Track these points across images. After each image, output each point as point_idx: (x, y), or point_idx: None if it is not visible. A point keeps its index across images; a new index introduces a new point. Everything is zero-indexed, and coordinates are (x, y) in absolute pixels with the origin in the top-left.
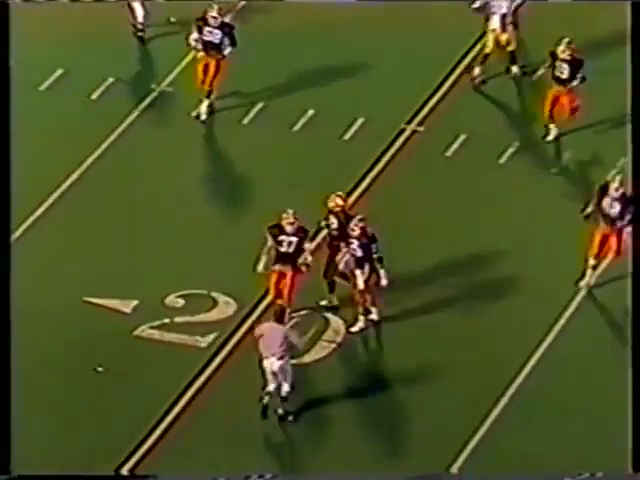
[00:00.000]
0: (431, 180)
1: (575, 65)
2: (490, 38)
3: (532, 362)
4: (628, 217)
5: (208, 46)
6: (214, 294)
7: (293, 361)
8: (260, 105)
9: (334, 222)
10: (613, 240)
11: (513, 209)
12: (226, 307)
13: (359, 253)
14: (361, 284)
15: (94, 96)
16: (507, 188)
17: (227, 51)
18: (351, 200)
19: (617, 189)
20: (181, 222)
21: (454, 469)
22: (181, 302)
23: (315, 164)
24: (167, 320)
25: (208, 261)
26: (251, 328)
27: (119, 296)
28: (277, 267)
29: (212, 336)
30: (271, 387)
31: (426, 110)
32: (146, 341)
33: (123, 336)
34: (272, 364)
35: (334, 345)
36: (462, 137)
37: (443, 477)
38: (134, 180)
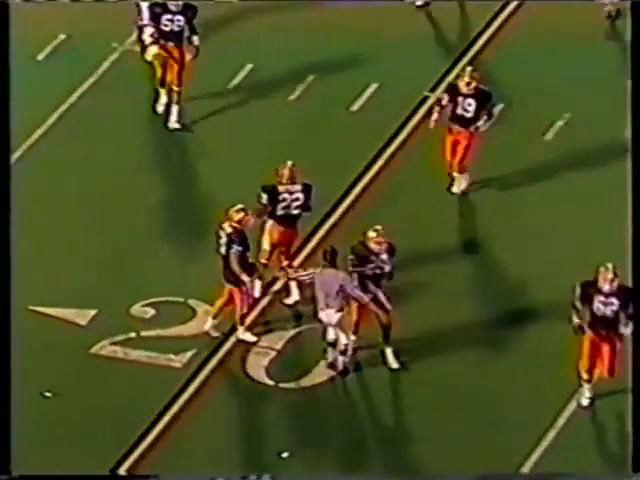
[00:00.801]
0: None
1: (482, 98)
2: None
3: None
4: (625, 318)
5: (169, 37)
6: (191, 302)
7: (291, 385)
8: (249, 67)
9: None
10: (605, 350)
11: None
12: (206, 318)
13: (387, 267)
14: (389, 305)
15: (41, 57)
16: (554, 171)
17: (196, 41)
18: (360, 185)
19: (612, 281)
20: (151, 212)
21: (525, 469)
22: (151, 312)
23: (316, 141)
24: (133, 334)
25: (185, 261)
26: (238, 343)
27: (73, 304)
28: None
29: (189, 354)
30: (331, 336)
31: (454, 74)
32: (106, 360)
33: (78, 354)
34: (329, 316)
35: None
36: (499, 107)
37: (512, 477)
38: (91, 160)
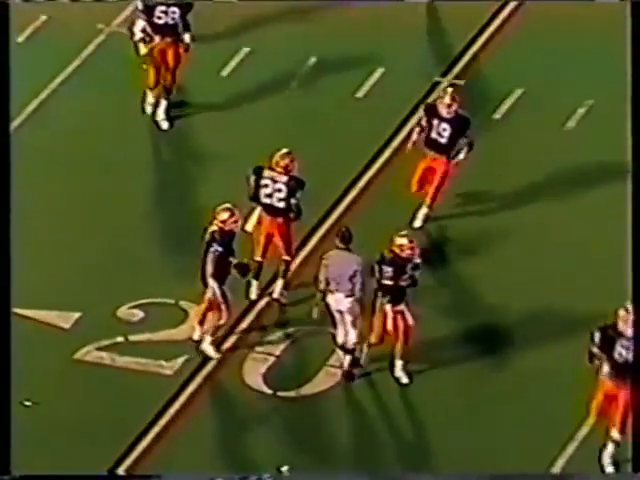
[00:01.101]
0: (475, 152)
1: (459, 125)
2: None
3: None
4: None
5: (163, 31)
6: (183, 304)
7: (290, 393)
8: (245, 50)
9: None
10: (622, 400)
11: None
12: None
13: (417, 273)
14: (412, 320)
15: (20, 39)
16: (574, 162)
17: (187, 38)
18: (366, 178)
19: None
20: (139, 206)
21: (556, 469)
22: (139, 314)
23: (318, 130)
24: (120, 338)
25: (176, 260)
26: (233, 348)
27: (55, 306)
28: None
29: (181, 360)
30: (340, 337)
31: (468, 56)
32: (92, 367)
33: (61, 360)
34: (338, 301)
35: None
36: (517, 93)
37: (515, 477)
38: (73, 155)
